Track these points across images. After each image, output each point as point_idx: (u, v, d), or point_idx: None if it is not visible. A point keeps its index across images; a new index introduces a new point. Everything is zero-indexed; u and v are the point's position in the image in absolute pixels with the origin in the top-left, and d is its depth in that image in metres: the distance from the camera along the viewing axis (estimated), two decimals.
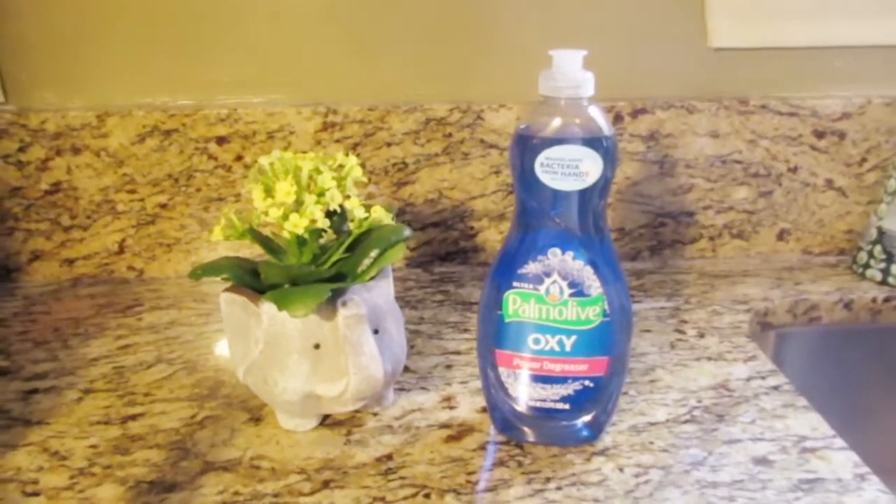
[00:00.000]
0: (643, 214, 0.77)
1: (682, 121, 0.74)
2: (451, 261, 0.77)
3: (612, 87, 0.73)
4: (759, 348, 0.60)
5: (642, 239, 0.78)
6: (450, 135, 0.72)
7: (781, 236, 0.79)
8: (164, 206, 0.73)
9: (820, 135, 0.75)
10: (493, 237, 0.76)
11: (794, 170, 0.76)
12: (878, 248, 0.72)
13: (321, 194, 0.46)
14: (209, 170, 0.72)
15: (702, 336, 0.62)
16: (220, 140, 0.71)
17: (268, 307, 0.45)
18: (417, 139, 0.72)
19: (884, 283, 0.72)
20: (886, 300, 0.70)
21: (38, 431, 0.50)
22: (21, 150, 0.70)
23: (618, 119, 0.73)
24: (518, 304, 0.45)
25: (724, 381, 0.55)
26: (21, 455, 0.48)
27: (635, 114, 0.73)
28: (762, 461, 0.46)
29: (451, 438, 0.49)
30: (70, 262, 0.74)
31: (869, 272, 0.73)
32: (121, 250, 0.74)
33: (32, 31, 0.69)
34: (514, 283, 0.45)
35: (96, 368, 0.58)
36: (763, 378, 0.56)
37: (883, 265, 0.72)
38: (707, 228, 0.78)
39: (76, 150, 0.70)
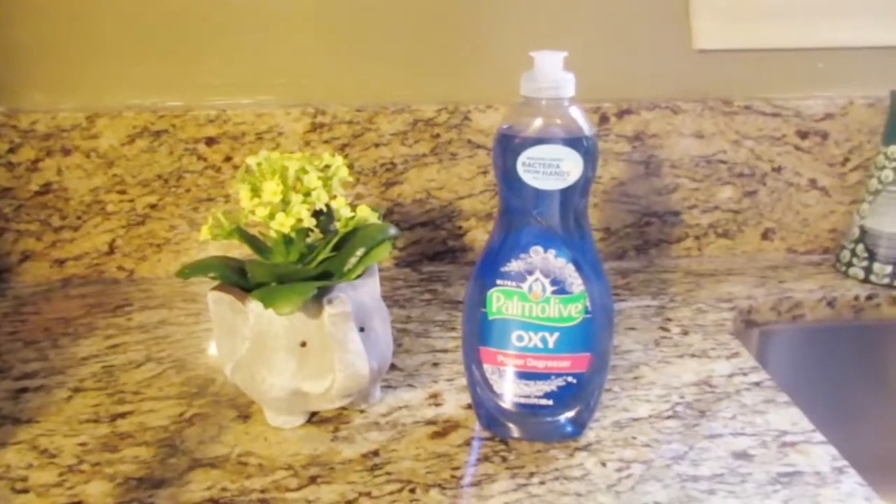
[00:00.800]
0: (629, 214, 0.77)
1: (667, 121, 0.74)
2: (439, 260, 0.78)
3: (597, 88, 0.74)
4: (742, 345, 0.61)
5: (628, 238, 0.78)
6: (437, 135, 0.73)
7: (766, 235, 0.79)
8: (153, 206, 0.73)
9: (803, 135, 0.76)
10: (480, 237, 0.77)
11: (778, 170, 0.77)
12: (860, 247, 0.73)
13: (307, 194, 0.47)
14: (199, 170, 0.72)
15: (686, 333, 0.63)
16: (210, 141, 0.71)
17: (254, 305, 0.46)
18: (405, 140, 0.73)
19: (866, 281, 0.73)
20: (869, 298, 0.71)
21: (27, 429, 0.51)
22: (11, 150, 0.70)
23: (603, 120, 0.74)
24: (501, 302, 0.46)
25: (707, 377, 0.56)
26: (10, 453, 0.48)
27: (621, 114, 0.74)
28: (742, 455, 0.47)
29: (436, 435, 0.50)
30: (60, 262, 0.74)
31: (852, 270, 0.74)
32: (111, 251, 0.74)
33: (22, 32, 0.69)
34: (498, 281, 0.45)
35: (86, 367, 0.59)
36: (745, 374, 0.57)
37: (865, 263, 0.73)
38: (692, 228, 0.78)
39: (66, 151, 0.71)
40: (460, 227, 0.77)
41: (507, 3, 0.72)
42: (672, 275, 0.75)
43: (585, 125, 0.43)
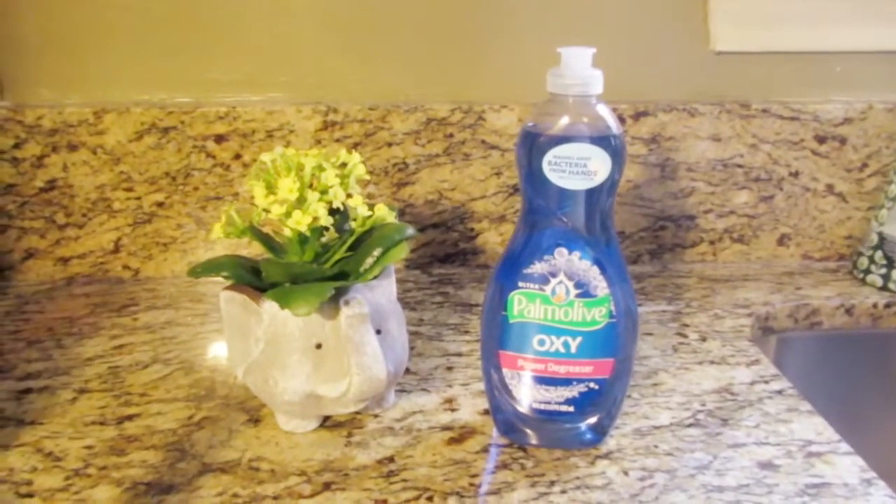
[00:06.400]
0: (644, 217, 0.76)
1: (683, 124, 0.73)
2: (450, 263, 0.76)
3: (613, 89, 0.71)
4: (761, 352, 0.60)
5: (643, 242, 0.77)
6: (451, 135, 0.72)
7: (782, 241, 0.78)
8: (160, 204, 0.72)
9: (821, 139, 0.75)
10: (493, 239, 0.76)
11: (795, 174, 0.76)
12: (878, 254, 0.72)
13: (324, 192, 0.46)
14: (207, 168, 0.71)
15: (704, 340, 0.62)
16: (219, 138, 0.70)
17: (269, 306, 0.45)
18: (418, 139, 0.72)
19: (884, 288, 0.71)
20: (887, 306, 0.70)
21: (31, 431, 0.49)
22: (16, 146, 0.69)
23: (620, 122, 0.73)
24: (523, 305, 0.44)
25: (728, 384, 0.55)
26: (14, 456, 0.47)
27: (637, 116, 0.73)
28: (768, 465, 0.46)
29: (452, 441, 0.48)
30: (64, 260, 0.73)
31: (869, 278, 0.73)
32: (116, 249, 0.73)
33: (30, 26, 0.68)
34: (520, 284, 0.44)
35: (91, 368, 0.57)
36: (766, 382, 0.55)
37: (884, 271, 0.71)
38: (708, 232, 0.77)
39: (72, 147, 0.69)
40: (472, 230, 0.75)
41: (523, 2, 0.71)
42: (687, 280, 0.74)
43: (613, 123, 0.42)
